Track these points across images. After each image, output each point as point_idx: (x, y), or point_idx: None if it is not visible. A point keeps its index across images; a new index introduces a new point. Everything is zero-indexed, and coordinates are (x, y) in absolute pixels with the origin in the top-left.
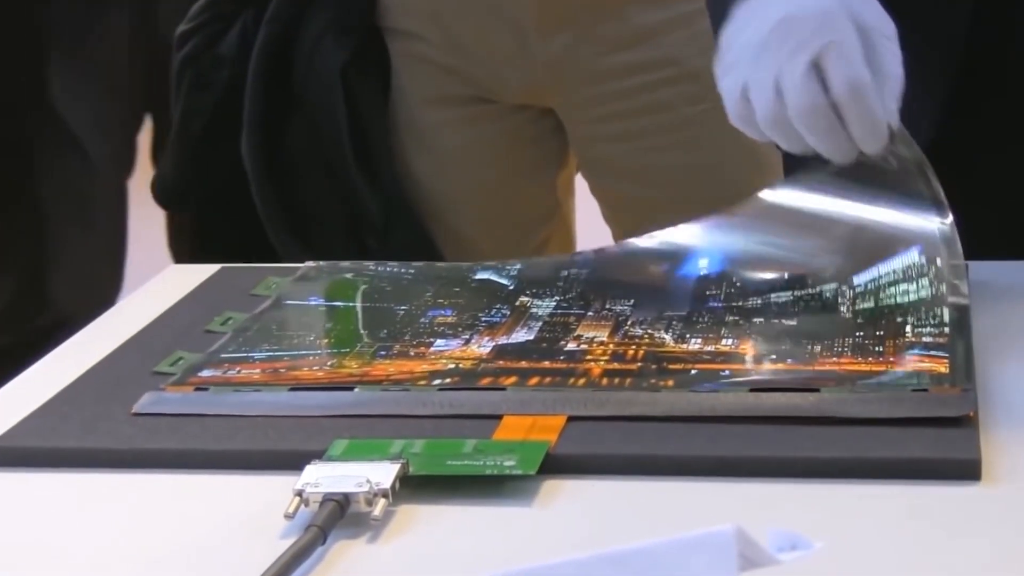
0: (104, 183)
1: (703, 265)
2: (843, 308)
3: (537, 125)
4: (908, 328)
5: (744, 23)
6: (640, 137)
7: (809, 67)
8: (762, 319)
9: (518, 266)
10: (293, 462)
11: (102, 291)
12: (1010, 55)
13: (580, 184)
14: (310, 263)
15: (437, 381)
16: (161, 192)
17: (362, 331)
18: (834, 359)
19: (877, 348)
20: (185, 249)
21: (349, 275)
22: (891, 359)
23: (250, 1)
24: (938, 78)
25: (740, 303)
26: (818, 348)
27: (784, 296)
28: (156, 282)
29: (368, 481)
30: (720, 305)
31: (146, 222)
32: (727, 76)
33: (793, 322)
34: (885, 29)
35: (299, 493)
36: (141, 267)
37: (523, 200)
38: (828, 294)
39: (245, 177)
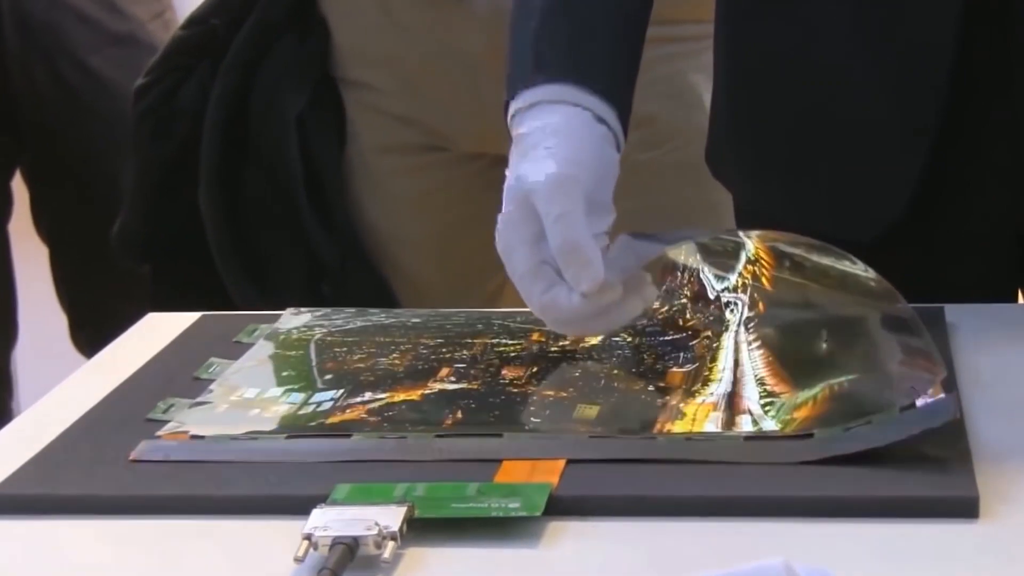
0: None
1: None
2: None
3: (491, 173)
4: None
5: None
6: None
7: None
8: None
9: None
10: (296, 507)
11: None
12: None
13: None
14: (291, 309)
15: (438, 417)
16: (121, 243)
17: (348, 375)
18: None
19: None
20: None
21: (330, 319)
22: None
23: (206, 54)
24: (920, 120)
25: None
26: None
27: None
28: (137, 330)
29: (376, 524)
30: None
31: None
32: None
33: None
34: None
35: (308, 537)
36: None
37: (477, 247)
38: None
39: (203, 227)
